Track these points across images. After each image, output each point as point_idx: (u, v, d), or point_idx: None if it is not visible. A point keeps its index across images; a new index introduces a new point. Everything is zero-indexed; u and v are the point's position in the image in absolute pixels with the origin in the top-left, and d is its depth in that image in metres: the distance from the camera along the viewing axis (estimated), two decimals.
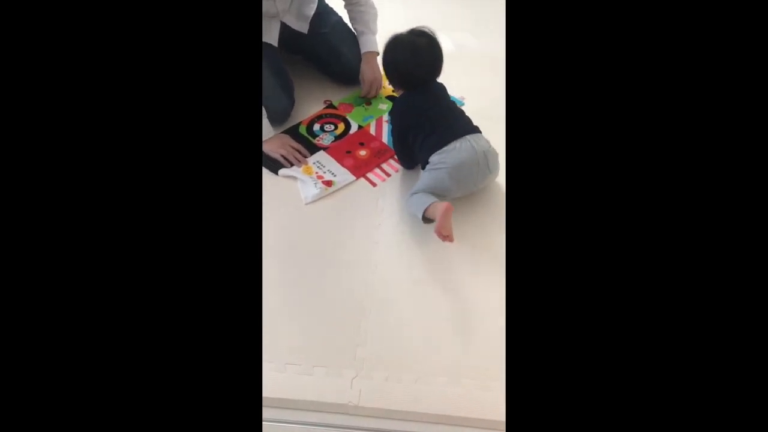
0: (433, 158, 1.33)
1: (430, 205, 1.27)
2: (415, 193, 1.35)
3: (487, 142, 1.35)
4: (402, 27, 1.42)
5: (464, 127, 1.36)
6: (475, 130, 1.36)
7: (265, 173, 1.48)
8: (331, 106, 1.70)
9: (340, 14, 1.74)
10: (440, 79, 1.42)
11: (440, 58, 1.38)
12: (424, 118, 1.35)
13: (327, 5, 1.75)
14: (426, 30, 1.39)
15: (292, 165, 1.49)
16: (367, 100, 1.69)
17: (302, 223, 1.39)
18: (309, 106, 1.69)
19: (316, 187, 1.43)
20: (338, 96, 1.74)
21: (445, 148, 1.32)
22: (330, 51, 1.70)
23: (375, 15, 1.68)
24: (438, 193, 1.31)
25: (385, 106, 1.67)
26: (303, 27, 1.66)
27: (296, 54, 1.77)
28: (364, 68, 1.68)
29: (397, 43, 1.38)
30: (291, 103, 1.62)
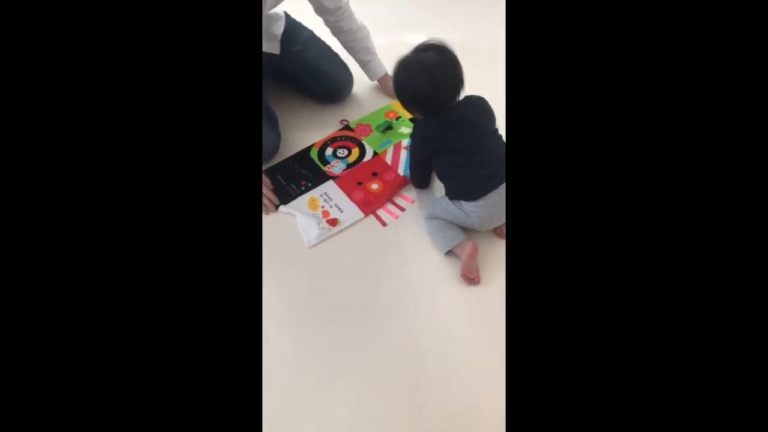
0: (466, 205, 1.18)
1: (457, 244, 1.18)
2: (437, 218, 1.23)
3: None
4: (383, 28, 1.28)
5: (500, 168, 1.14)
6: None
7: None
8: (347, 127, 1.55)
9: (311, 29, 1.56)
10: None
11: (456, 70, 1.15)
12: (450, 149, 1.16)
13: (295, 21, 1.55)
14: (433, 42, 1.16)
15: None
16: (388, 124, 1.54)
17: (314, 269, 1.22)
18: (325, 127, 1.54)
19: (318, 227, 1.27)
20: (357, 115, 1.59)
21: (480, 202, 1.15)
22: (307, 70, 1.53)
23: (369, 34, 1.53)
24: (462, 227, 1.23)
25: (408, 130, 1.51)
26: (274, 48, 1.49)
27: (267, 76, 1.57)
28: (387, 93, 1.58)
29: (403, 67, 1.16)
30: (277, 137, 1.44)
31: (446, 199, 1.23)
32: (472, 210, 1.17)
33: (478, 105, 1.20)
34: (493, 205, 1.15)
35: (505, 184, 1.14)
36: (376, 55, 1.56)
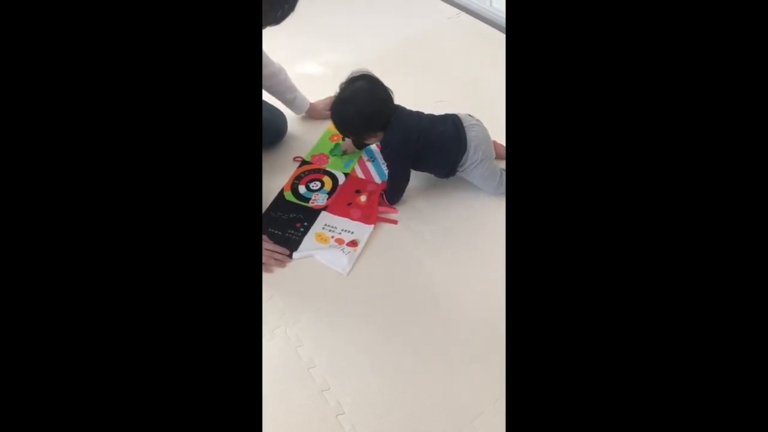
0: (475, 157, 1.31)
1: None
2: (500, 180, 1.35)
3: (464, 117, 1.35)
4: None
5: (454, 122, 1.32)
6: (455, 117, 1.33)
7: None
8: (304, 162, 1.52)
9: None
10: None
11: (384, 86, 1.31)
12: (423, 138, 1.29)
13: None
14: (355, 74, 1.31)
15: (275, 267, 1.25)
16: (340, 146, 1.53)
17: (362, 298, 1.17)
18: (281, 170, 1.50)
19: (344, 253, 1.24)
20: (302, 147, 1.58)
21: (476, 148, 1.31)
22: None
23: (287, 74, 1.54)
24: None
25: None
26: None
27: None
28: (316, 116, 1.62)
29: (346, 102, 1.28)
30: (283, 117, 1.50)
31: (479, 171, 1.32)
32: (488, 156, 1.33)
33: (400, 106, 1.35)
34: (481, 139, 1.33)
35: (467, 126, 1.32)
36: (298, 89, 1.58)
